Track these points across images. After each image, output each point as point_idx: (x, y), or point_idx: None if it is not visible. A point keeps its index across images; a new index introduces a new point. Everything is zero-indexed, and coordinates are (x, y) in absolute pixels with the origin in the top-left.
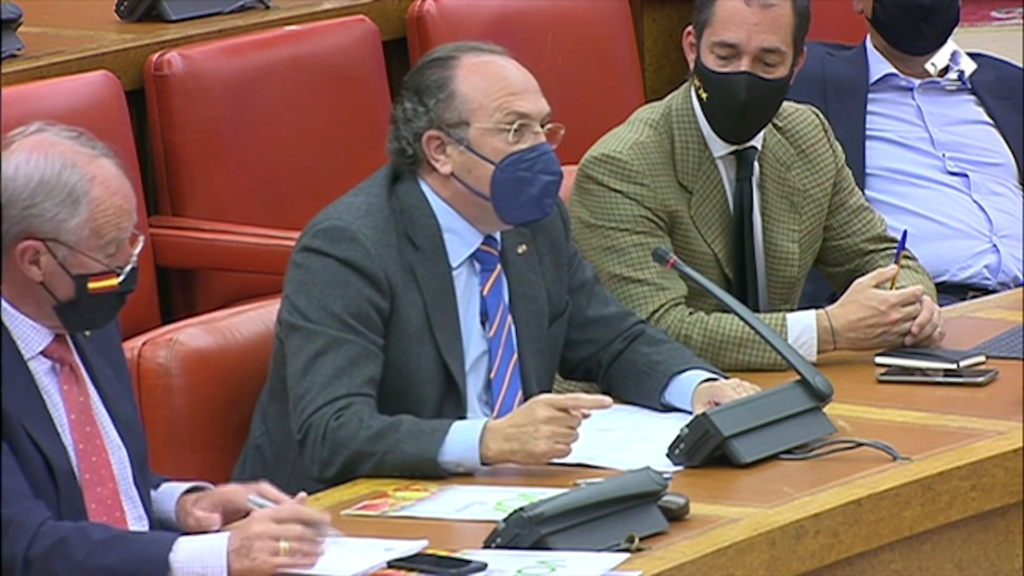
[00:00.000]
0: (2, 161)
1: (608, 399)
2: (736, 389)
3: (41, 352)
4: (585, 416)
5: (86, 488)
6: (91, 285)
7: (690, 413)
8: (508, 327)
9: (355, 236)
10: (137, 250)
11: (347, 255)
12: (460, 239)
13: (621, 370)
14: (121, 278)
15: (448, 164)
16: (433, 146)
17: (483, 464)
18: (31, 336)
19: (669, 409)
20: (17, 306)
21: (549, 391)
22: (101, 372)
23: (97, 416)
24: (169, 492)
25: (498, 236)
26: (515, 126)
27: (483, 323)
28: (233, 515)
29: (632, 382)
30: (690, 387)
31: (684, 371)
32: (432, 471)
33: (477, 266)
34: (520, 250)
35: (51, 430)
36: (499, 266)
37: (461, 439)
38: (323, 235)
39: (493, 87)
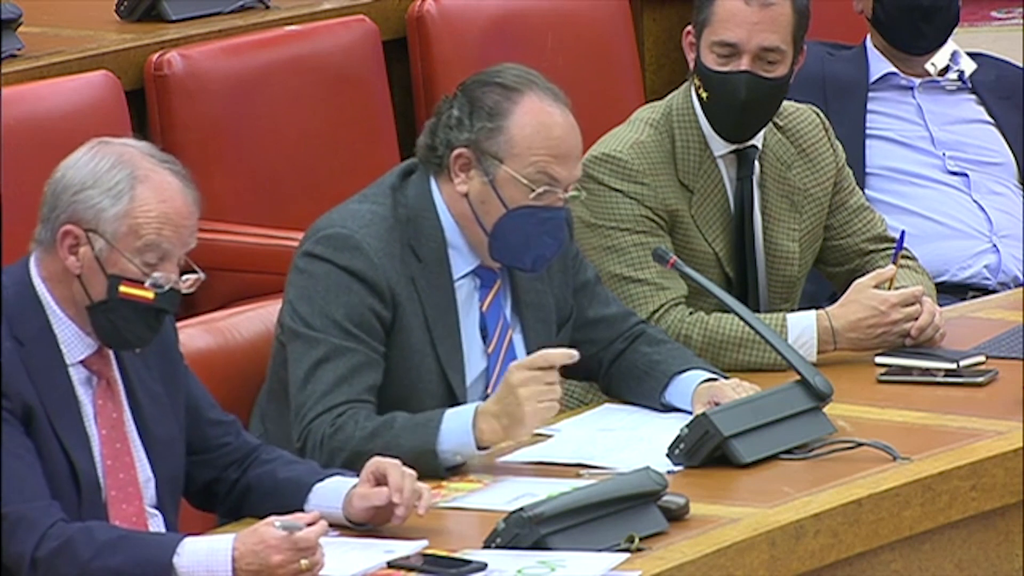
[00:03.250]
0: (72, 155)
1: (575, 352)
2: (736, 389)
3: (81, 361)
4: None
5: (111, 504)
6: (123, 288)
7: (690, 413)
8: (509, 342)
9: (359, 245)
10: (187, 281)
11: (350, 263)
12: (461, 256)
13: (622, 370)
14: (158, 292)
15: (466, 185)
16: (460, 163)
17: (479, 448)
18: (74, 343)
19: (669, 409)
20: (64, 308)
21: None
22: (146, 390)
23: (129, 434)
24: (334, 488)
25: None
26: (541, 189)
27: (483, 338)
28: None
29: (632, 382)
30: (690, 387)
31: (684, 371)
32: (431, 462)
33: (477, 281)
34: None
35: (82, 438)
36: (499, 282)
37: (455, 427)
38: (327, 242)
39: (540, 141)
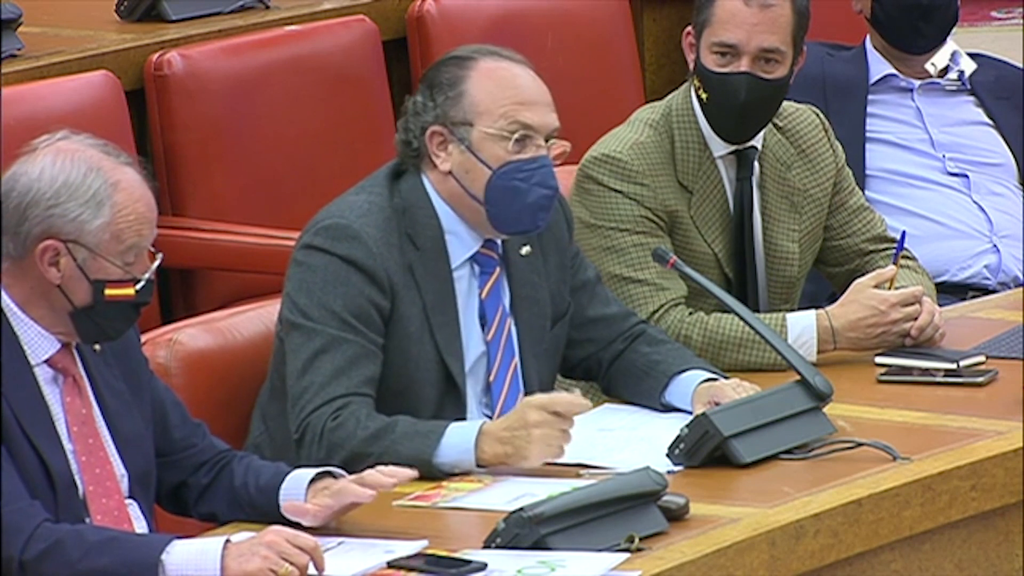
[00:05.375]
0: (28, 163)
1: (587, 402)
2: (736, 389)
3: (45, 361)
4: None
5: (91, 499)
6: (108, 291)
7: (690, 413)
8: (508, 330)
9: (357, 234)
10: (155, 265)
11: (349, 253)
12: (460, 241)
13: (622, 370)
14: (139, 287)
15: (448, 162)
16: (436, 142)
17: (479, 466)
18: (37, 343)
19: (669, 409)
20: (27, 311)
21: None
22: (109, 387)
23: (100, 430)
24: (296, 483)
25: (499, 239)
26: (517, 135)
27: (482, 326)
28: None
29: (632, 382)
30: (690, 387)
31: (684, 371)
32: (428, 472)
33: (476, 268)
34: (523, 251)
35: (52, 437)
36: (498, 269)
37: (457, 442)
38: (325, 232)
39: (503, 93)
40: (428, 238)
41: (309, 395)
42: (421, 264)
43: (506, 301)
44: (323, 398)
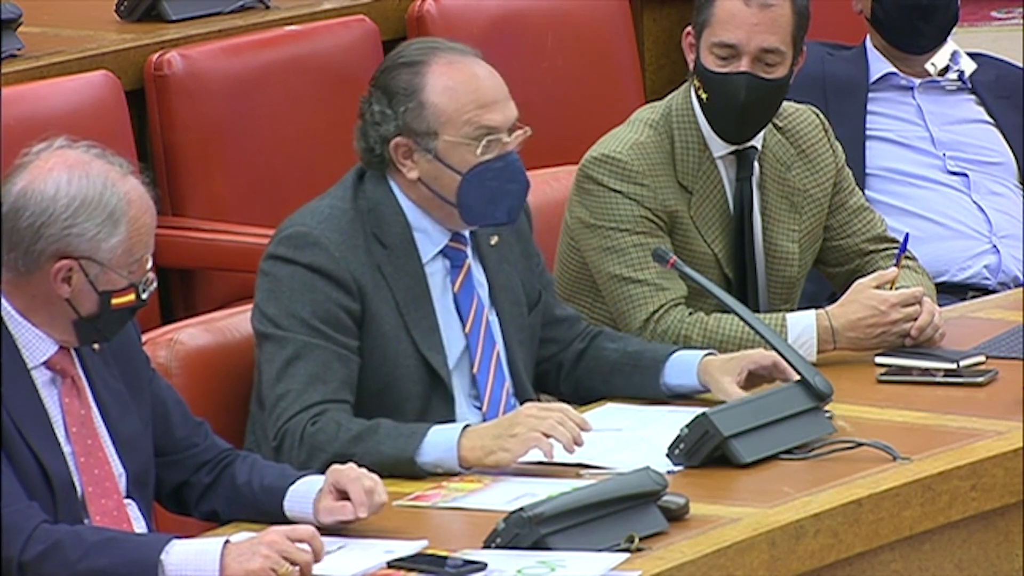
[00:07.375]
0: (40, 181)
1: (588, 424)
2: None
3: (43, 363)
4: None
5: (90, 500)
6: (114, 301)
7: (693, 389)
8: (486, 321)
9: (318, 240)
10: (150, 265)
11: (311, 260)
12: (428, 237)
13: (593, 367)
14: (144, 295)
15: (415, 170)
16: (401, 152)
17: (461, 466)
18: (35, 345)
19: (670, 394)
20: (27, 317)
21: (532, 381)
22: (108, 387)
23: (99, 430)
24: (304, 492)
25: (467, 231)
26: (484, 141)
27: (459, 319)
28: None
29: (618, 377)
30: (692, 363)
31: (671, 353)
32: (410, 471)
33: (447, 263)
34: (492, 241)
35: (50, 440)
36: (467, 262)
37: (440, 440)
38: (287, 242)
39: (463, 99)
40: (395, 235)
41: (286, 402)
42: (390, 262)
43: (482, 292)
44: (301, 404)
